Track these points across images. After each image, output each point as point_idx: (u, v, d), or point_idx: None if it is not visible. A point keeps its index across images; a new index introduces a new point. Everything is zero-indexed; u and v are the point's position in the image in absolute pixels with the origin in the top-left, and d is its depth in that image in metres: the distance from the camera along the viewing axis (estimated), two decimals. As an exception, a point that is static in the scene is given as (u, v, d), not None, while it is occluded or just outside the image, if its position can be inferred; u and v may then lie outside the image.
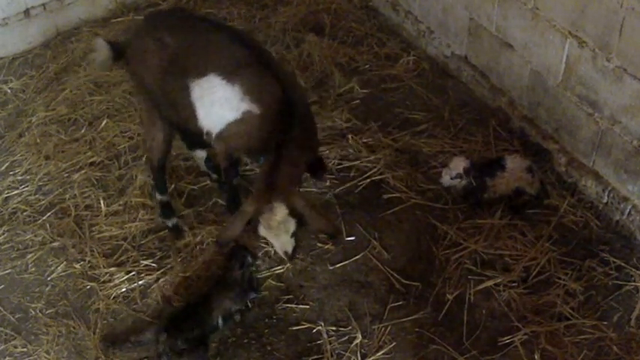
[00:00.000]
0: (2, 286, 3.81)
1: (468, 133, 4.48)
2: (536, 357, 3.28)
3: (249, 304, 3.49)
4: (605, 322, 3.40)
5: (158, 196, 3.95)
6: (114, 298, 3.67)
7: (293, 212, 3.18)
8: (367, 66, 5.08)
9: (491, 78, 4.62)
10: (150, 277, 3.74)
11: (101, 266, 3.81)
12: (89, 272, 3.80)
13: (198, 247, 3.88)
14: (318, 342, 3.42)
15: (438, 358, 3.33)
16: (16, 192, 4.31)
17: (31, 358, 3.46)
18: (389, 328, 3.45)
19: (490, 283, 3.59)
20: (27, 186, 4.34)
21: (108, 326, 3.55)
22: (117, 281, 3.73)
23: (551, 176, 4.13)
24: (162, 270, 3.77)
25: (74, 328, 3.55)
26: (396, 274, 3.68)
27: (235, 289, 3.41)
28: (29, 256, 3.93)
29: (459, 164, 3.86)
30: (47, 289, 3.77)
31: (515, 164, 3.86)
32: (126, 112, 4.80)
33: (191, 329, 3.24)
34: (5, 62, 5.36)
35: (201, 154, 4.12)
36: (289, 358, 3.37)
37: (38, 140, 4.64)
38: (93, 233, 4.01)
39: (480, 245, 3.76)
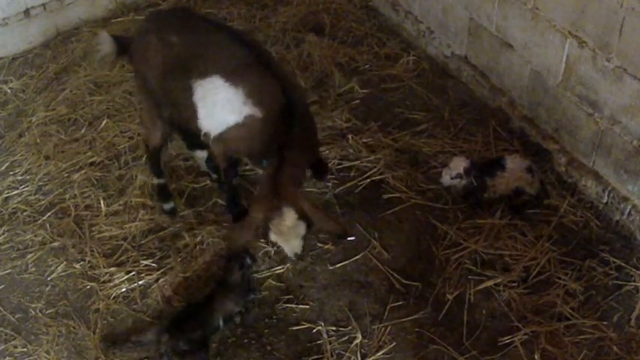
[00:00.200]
0: (2, 286, 3.81)
1: (468, 133, 4.48)
2: (536, 357, 3.28)
3: (249, 306, 3.48)
4: (605, 322, 3.40)
5: (155, 180, 3.97)
6: (114, 298, 3.67)
7: (302, 215, 3.20)
8: (367, 66, 5.08)
9: (491, 78, 4.63)
10: (150, 277, 3.74)
11: (101, 266, 3.81)
12: (89, 272, 3.80)
13: (198, 247, 3.88)
14: (318, 342, 3.42)
15: (438, 358, 3.33)
16: (16, 192, 4.31)
17: (31, 358, 3.45)
18: (389, 328, 3.45)
19: (490, 283, 3.59)
20: (27, 186, 4.34)
21: (108, 326, 3.55)
22: (117, 281, 3.73)
23: (551, 176, 4.13)
24: (162, 270, 3.77)
25: (74, 328, 3.55)
26: (396, 274, 3.68)
27: (236, 290, 3.41)
28: (29, 256, 3.93)
29: (459, 164, 3.86)
30: (47, 289, 3.77)
31: (515, 164, 3.86)
32: (126, 112, 4.80)
33: (193, 330, 3.24)
34: (5, 62, 5.36)
35: (201, 154, 4.12)
36: (289, 358, 3.37)
37: (38, 140, 4.64)
38: (93, 233, 4.01)
39: (480, 245, 3.76)
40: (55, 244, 3.97)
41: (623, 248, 3.76)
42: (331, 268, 3.73)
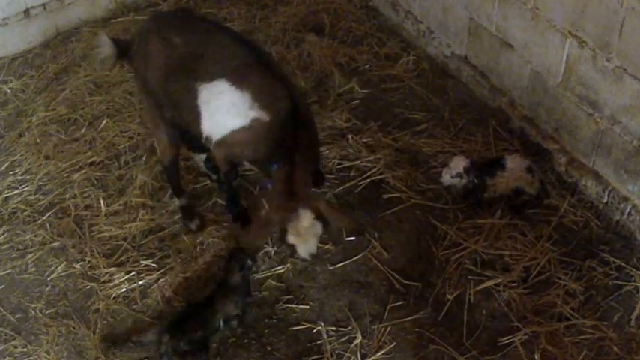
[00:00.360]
0: (2, 286, 3.81)
1: (468, 133, 4.48)
2: (536, 357, 3.28)
3: (246, 309, 3.47)
4: (605, 322, 3.39)
5: (177, 202, 3.96)
6: (114, 298, 3.67)
7: (318, 215, 3.21)
8: (367, 66, 5.08)
9: (491, 78, 4.63)
10: (150, 277, 3.74)
11: (101, 266, 3.81)
12: (89, 272, 3.80)
13: (198, 247, 3.88)
14: (318, 342, 3.42)
15: (438, 358, 3.33)
16: (16, 192, 4.31)
17: (31, 358, 3.45)
18: (389, 328, 3.45)
19: (490, 283, 3.59)
20: (27, 186, 4.34)
21: (108, 326, 3.55)
22: (117, 281, 3.73)
23: (551, 176, 4.13)
24: (162, 270, 3.77)
25: (74, 328, 3.55)
26: (396, 274, 3.68)
27: (236, 291, 3.41)
28: (29, 256, 3.93)
29: (459, 163, 3.86)
30: (47, 289, 3.77)
31: (515, 164, 3.86)
32: (126, 112, 4.80)
33: (194, 331, 3.24)
34: (5, 62, 5.36)
35: (201, 155, 4.12)
36: (289, 358, 3.37)
37: (38, 140, 4.64)
38: (93, 233, 4.01)
39: (480, 245, 3.76)
40: (55, 244, 3.98)
41: (623, 248, 3.76)
42: (331, 268, 3.73)
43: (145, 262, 3.81)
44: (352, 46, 5.28)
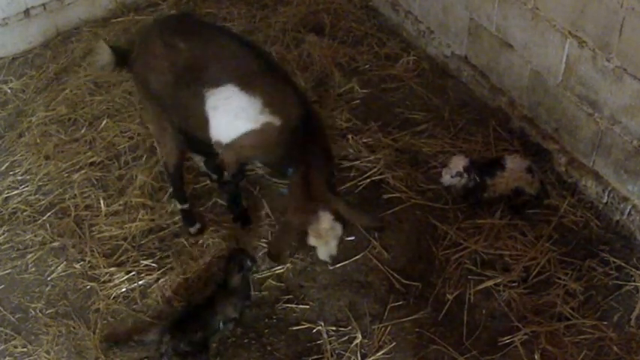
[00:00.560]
0: (2, 286, 3.81)
1: (468, 133, 4.48)
2: (536, 357, 3.28)
3: (245, 312, 3.47)
4: (605, 322, 3.40)
5: (179, 206, 3.95)
6: (114, 298, 3.67)
7: (337, 216, 3.22)
8: (367, 66, 5.08)
9: (491, 78, 4.63)
10: (150, 277, 3.74)
11: (101, 266, 3.81)
12: (89, 272, 3.80)
13: (198, 248, 3.88)
14: (318, 342, 3.42)
15: (438, 358, 3.33)
16: (16, 192, 4.31)
17: (31, 358, 3.45)
18: (389, 328, 3.45)
19: (490, 283, 3.59)
20: (27, 186, 4.34)
21: (108, 326, 3.55)
22: (117, 281, 3.73)
23: (551, 176, 4.13)
24: (162, 270, 3.77)
25: (74, 328, 3.55)
26: (396, 274, 3.69)
27: (236, 293, 3.40)
28: (29, 256, 3.93)
29: (458, 163, 3.86)
30: (47, 289, 3.77)
31: (515, 164, 3.86)
32: (126, 112, 4.80)
33: (195, 332, 3.24)
34: (5, 62, 5.36)
35: (200, 155, 4.12)
36: (289, 358, 3.37)
37: (38, 140, 4.64)
38: (93, 233, 4.01)
39: (480, 245, 3.76)
40: (55, 244, 3.97)
41: (623, 248, 3.76)
42: (331, 268, 3.73)
43: (145, 262, 3.81)
44: (352, 46, 5.28)
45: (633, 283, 3.56)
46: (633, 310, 3.45)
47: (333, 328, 3.46)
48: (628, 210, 3.78)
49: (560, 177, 4.12)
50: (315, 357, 3.35)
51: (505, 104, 4.52)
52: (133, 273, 3.76)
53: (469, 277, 3.63)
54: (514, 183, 3.85)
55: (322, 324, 3.48)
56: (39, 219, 4.12)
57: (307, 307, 3.58)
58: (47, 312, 3.65)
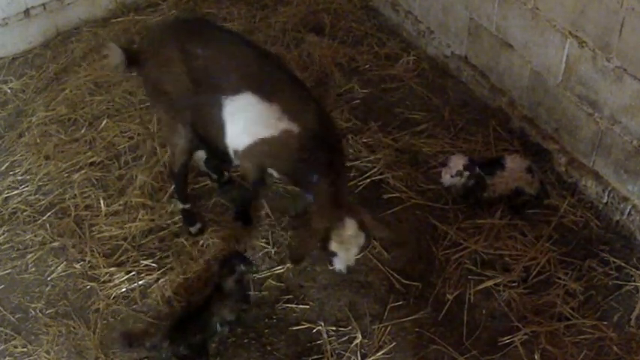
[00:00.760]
0: (2, 286, 3.81)
1: (468, 133, 4.48)
2: (536, 357, 3.28)
3: (241, 315, 3.47)
4: (605, 322, 3.40)
5: (180, 205, 3.95)
6: (114, 298, 3.67)
7: (362, 226, 3.24)
8: (367, 66, 5.08)
9: (491, 78, 4.63)
10: (150, 277, 3.74)
11: (101, 266, 3.81)
12: (89, 272, 3.80)
13: (198, 247, 3.88)
14: (318, 342, 3.42)
15: (438, 358, 3.33)
16: (16, 192, 4.31)
17: (31, 358, 3.45)
18: (389, 328, 3.45)
19: (490, 283, 3.59)
20: (27, 186, 4.34)
21: (108, 326, 3.55)
22: (117, 281, 3.73)
23: (551, 176, 4.13)
24: (162, 270, 3.77)
25: (74, 328, 3.55)
26: (396, 274, 3.69)
27: (232, 297, 3.40)
28: (29, 256, 3.93)
29: (458, 162, 3.86)
30: (47, 289, 3.77)
31: (514, 164, 3.86)
32: (126, 112, 4.80)
33: (194, 335, 3.24)
34: (5, 62, 5.36)
35: (201, 155, 4.12)
36: (289, 358, 3.37)
37: (38, 140, 4.64)
38: (93, 233, 4.01)
39: (480, 245, 3.76)
40: (55, 244, 3.97)
41: (623, 248, 3.76)
42: (331, 268, 3.72)
43: (145, 262, 3.81)
44: (352, 46, 5.28)
45: (633, 283, 3.56)
46: (633, 310, 3.45)
47: (333, 328, 3.46)
48: (628, 210, 3.78)
49: (560, 177, 4.12)
50: (315, 357, 3.35)
51: (505, 104, 4.52)
52: (133, 273, 3.76)
53: (469, 277, 3.63)
54: (514, 183, 3.85)
55: (322, 324, 3.48)
56: (39, 219, 4.12)
57: (307, 307, 3.58)
58: (47, 312, 3.65)
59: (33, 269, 3.87)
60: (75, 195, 4.23)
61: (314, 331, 3.47)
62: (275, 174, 3.57)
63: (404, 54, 5.15)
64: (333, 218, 3.22)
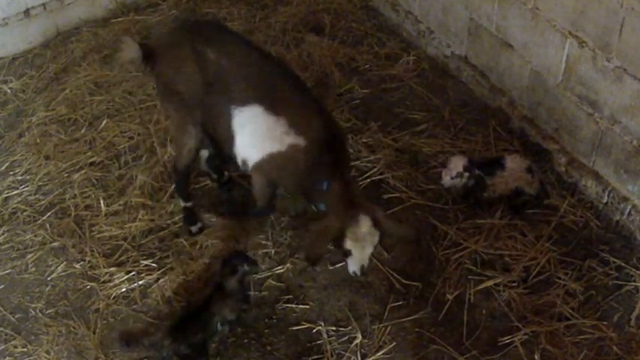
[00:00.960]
0: (2, 286, 3.81)
1: (468, 133, 4.48)
2: (536, 357, 3.28)
3: (241, 316, 3.46)
4: (605, 322, 3.40)
5: (182, 203, 3.95)
6: (114, 298, 3.67)
7: (376, 223, 3.24)
8: (367, 66, 5.08)
9: (491, 78, 4.63)
10: (150, 277, 3.74)
11: (101, 266, 3.81)
12: (89, 272, 3.80)
13: (198, 247, 3.88)
14: (318, 342, 3.42)
15: (438, 358, 3.33)
16: (16, 192, 4.31)
17: (31, 358, 3.45)
18: (389, 328, 3.45)
19: (490, 283, 3.59)
20: (27, 186, 4.34)
21: (108, 326, 3.55)
22: (117, 281, 3.73)
23: (551, 176, 4.13)
24: (162, 270, 3.77)
25: (74, 328, 3.55)
26: (396, 274, 3.68)
27: (233, 296, 3.39)
28: (29, 256, 3.93)
29: (458, 163, 3.86)
30: (47, 289, 3.77)
31: (514, 164, 3.86)
32: (126, 112, 4.80)
33: (195, 334, 3.24)
34: (5, 62, 5.36)
35: (203, 154, 4.11)
36: (289, 358, 3.37)
37: (38, 140, 4.64)
38: (93, 233, 4.01)
39: (480, 245, 3.76)
40: (55, 244, 3.97)
41: (623, 248, 3.76)
42: (331, 268, 3.73)
43: (145, 262, 3.81)
44: (352, 46, 5.28)
45: (633, 283, 3.56)
46: (633, 310, 3.45)
47: (333, 328, 3.46)
48: (628, 210, 3.78)
49: (560, 177, 4.12)
50: (315, 357, 3.35)
51: (505, 104, 4.52)
52: (133, 273, 3.76)
53: (469, 277, 3.63)
54: (514, 183, 3.85)
55: (322, 324, 3.48)
56: (39, 219, 4.12)
57: (307, 307, 3.58)
58: (47, 312, 3.65)
59: (33, 269, 3.87)
60: (75, 195, 4.23)
61: (314, 331, 3.47)
62: (284, 191, 3.56)
63: (404, 54, 5.15)
64: (348, 216, 3.22)
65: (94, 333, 3.51)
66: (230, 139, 3.43)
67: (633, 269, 3.62)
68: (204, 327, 3.29)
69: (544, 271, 3.63)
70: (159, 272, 3.76)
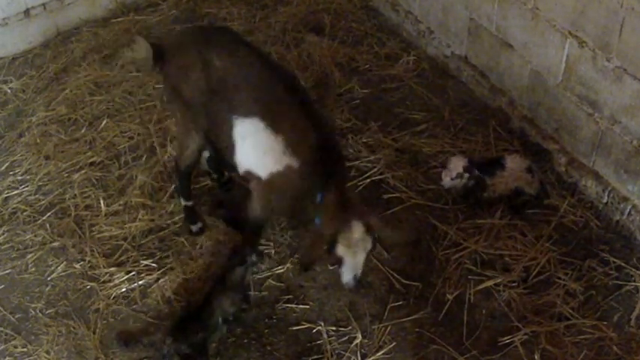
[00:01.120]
0: (2, 286, 3.81)
1: (468, 133, 4.48)
2: (536, 357, 3.28)
3: (242, 307, 3.47)
4: (605, 322, 3.40)
5: (183, 202, 3.96)
6: (114, 298, 3.67)
7: (369, 229, 3.21)
8: (367, 66, 5.08)
9: (491, 78, 4.63)
10: (150, 277, 3.74)
11: (101, 266, 3.81)
12: (89, 272, 3.80)
13: (198, 247, 3.88)
14: (318, 342, 3.42)
15: (438, 358, 3.33)
16: (16, 192, 4.31)
17: (31, 358, 3.45)
18: (389, 328, 3.45)
19: (490, 283, 3.59)
20: (27, 186, 4.34)
21: (108, 326, 3.55)
22: (117, 281, 3.73)
23: (551, 176, 4.13)
24: (162, 270, 3.77)
25: (74, 328, 3.55)
26: (396, 274, 3.68)
27: (235, 288, 3.39)
28: (29, 256, 3.93)
29: (457, 164, 3.86)
30: (47, 289, 3.77)
31: (514, 164, 3.86)
32: (126, 112, 4.80)
33: (195, 332, 3.25)
34: (5, 62, 5.36)
35: (204, 153, 4.11)
36: (289, 358, 3.37)
37: (38, 140, 4.64)
38: (93, 233, 4.01)
39: (480, 245, 3.76)
40: (55, 244, 3.97)
41: (623, 248, 3.76)
42: (331, 268, 3.73)
43: (145, 262, 3.81)
44: (352, 46, 5.28)
45: (633, 283, 3.56)
46: (633, 310, 3.45)
47: (333, 328, 3.46)
48: (628, 210, 3.78)
49: (560, 177, 4.12)
50: (315, 357, 3.35)
51: (505, 104, 4.52)
52: (133, 273, 3.76)
53: (469, 277, 3.63)
54: (514, 183, 3.85)
55: (322, 324, 3.48)
56: (39, 219, 4.12)
57: (307, 307, 3.58)
58: (47, 312, 3.65)
59: (33, 269, 3.87)
60: (75, 195, 4.23)
61: (314, 331, 3.47)
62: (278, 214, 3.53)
63: (404, 54, 5.15)
64: (341, 221, 3.19)
65: (94, 333, 3.51)
66: (231, 147, 3.41)
67: (633, 269, 3.62)
68: (206, 322, 3.28)
69: (544, 271, 3.63)
70: (159, 272, 3.76)
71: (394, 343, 3.38)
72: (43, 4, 5.40)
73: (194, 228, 3.95)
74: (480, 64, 4.70)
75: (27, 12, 5.36)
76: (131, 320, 3.57)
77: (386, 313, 3.52)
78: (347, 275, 3.29)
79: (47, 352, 3.45)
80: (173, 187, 4.17)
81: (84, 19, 5.66)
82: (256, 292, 3.64)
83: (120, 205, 4.14)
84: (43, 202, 4.22)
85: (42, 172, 4.40)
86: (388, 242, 3.60)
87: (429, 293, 3.60)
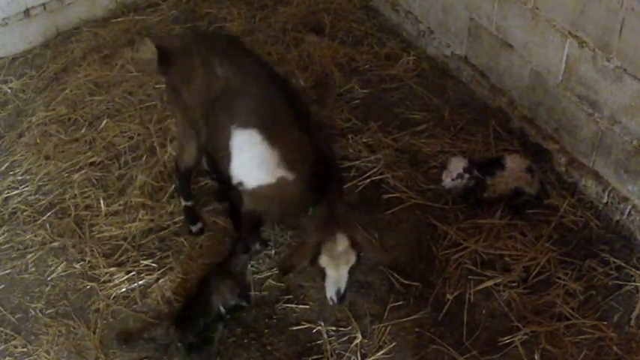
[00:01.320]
0: (2, 286, 3.81)
1: (468, 133, 4.48)
2: (536, 357, 3.28)
3: (243, 294, 3.47)
4: (605, 322, 3.40)
5: (183, 202, 3.96)
6: (114, 298, 3.67)
7: (354, 243, 3.20)
8: (367, 66, 5.08)
9: (491, 78, 4.63)
10: (150, 277, 3.74)
11: (101, 266, 3.81)
12: (89, 272, 3.80)
13: (198, 247, 3.88)
14: (318, 342, 3.42)
15: (438, 358, 3.33)
16: (16, 192, 4.31)
17: (31, 358, 3.45)
18: (389, 328, 3.45)
19: (490, 283, 3.59)
20: (27, 186, 4.34)
21: (108, 326, 3.55)
22: (117, 281, 3.73)
23: (551, 176, 4.13)
24: (162, 270, 3.77)
25: (74, 328, 3.55)
26: (396, 274, 3.68)
27: (235, 276, 3.38)
28: (29, 256, 3.93)
29: (457, 164, 3.86)
30: (47, 289, 3.77)
31: (514, 164, 3.86)
32: (126, 112, 4.80)
33: (197, 318, 3.25)
34: (5, 62, 5.36)
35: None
36: (289, 358, 3.37)
37: (38, 140, 4.64)
38: (93, 233, 4.01)
39: (480, 245, 3.76)
40: (55, 244, 3.97)
41: (623, 248, 3.76)
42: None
43: (145, 262, 3.81)
44: (352, 46, 5.28)
45: (633, 283, 3.56)
46: (633, 310, 3.45)
47: (333, 328, 3.46)
48: (628, 210, 3.78)
49: (560, 177, 4.12)
50: (315, 357, 3.35)
51: (505, 104, 4.52)
52: (133, 273, 3.76)
53: (469, 277, 3.63)
54: (514, 183, 3.85)
55: (322, 324, 3.48)
56: (39, 219, 4.12)
57: (307, 307, 3.58)
58: (47, 312, 3.65)
59: (33, 269, 3.87)
60: (75, 195, 4.23)
61: (314, 331, 3.47)
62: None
63: (404, 54, 5.15)
64: (326, 232, 3.18)
65: (94, 333, 3.51)
66: (227, 157, 3.42)
67: (633, 269, 3.62)
68: (205, 309, 3.28)
69: (544, 271, 3.63)
70: (159, 272, 3.76)
71: (394, 343, 3.38)
72: (43, 4, 5.40)
73: (194, 228, 3.96)
74: (479, 64, 4.70)
75: (27, 12, 5.36)
76: (131, 320, 3.57)
77: (386, 313, 3.52)
78: (330, 290, 3.28)
79: (47, 352, 3.45)
80: (173, 187, 4.17)
81: (84, 19, 5.66)
82: (256, 292, 3.64)
83: (120, 205, 4.14)
84: (43, 202, 4.22)
85: (42, 172, 4.40)
86: (373, 261, 3.60)
87: (429, 293, 3.60)
